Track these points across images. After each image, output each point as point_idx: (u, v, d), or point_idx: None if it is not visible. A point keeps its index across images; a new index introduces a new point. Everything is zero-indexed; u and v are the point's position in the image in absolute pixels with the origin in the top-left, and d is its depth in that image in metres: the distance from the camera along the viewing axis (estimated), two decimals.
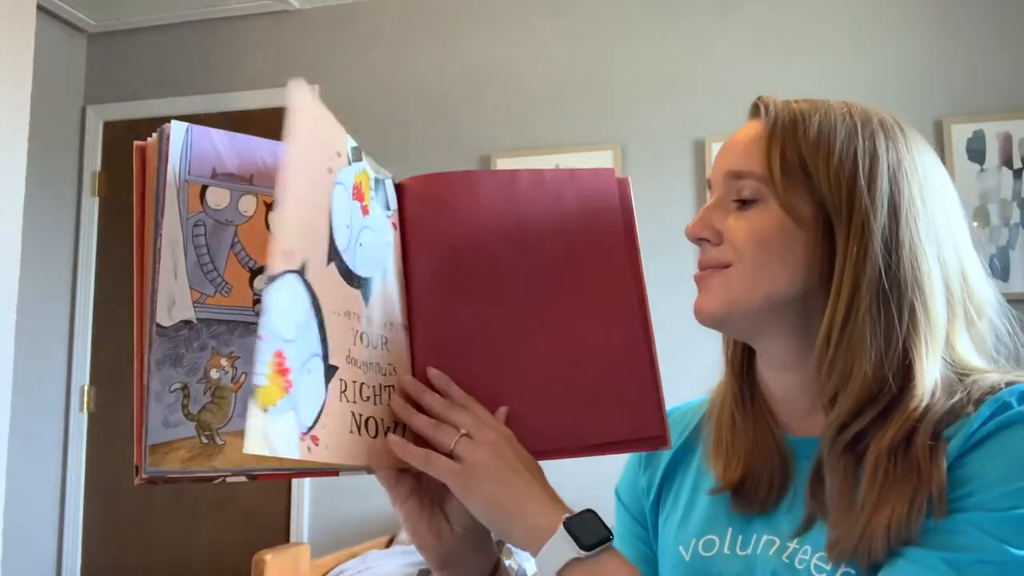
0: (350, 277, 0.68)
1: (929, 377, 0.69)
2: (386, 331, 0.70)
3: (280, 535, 3.20)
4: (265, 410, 0.55)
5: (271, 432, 0.56)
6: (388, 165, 0.80)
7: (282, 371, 0.57)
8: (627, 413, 0.74)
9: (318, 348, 0.62)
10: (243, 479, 0.64)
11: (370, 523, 3.01)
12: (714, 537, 0.78)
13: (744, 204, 0.74)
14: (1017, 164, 2.72)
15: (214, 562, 3.27)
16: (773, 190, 0.72)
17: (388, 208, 0.74)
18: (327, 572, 2.38)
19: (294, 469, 0.65)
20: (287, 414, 0.58)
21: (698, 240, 0.77)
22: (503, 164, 3.10)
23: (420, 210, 0.75)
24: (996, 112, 2.73)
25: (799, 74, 2.87)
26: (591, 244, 0.77)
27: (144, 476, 0.61)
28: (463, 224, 0.75)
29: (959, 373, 0.71)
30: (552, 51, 3.17)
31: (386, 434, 0.69)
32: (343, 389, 0.65)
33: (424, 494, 0.73)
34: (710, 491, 0.79)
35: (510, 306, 0.75)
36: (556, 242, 0.77)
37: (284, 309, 0.58)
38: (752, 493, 0.76)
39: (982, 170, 2.73)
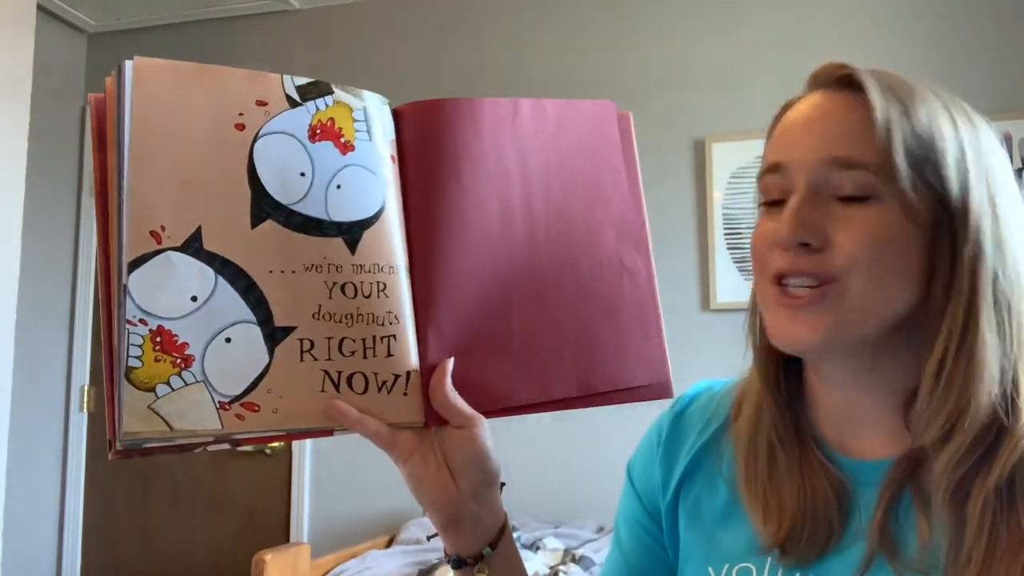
0: (319, 227, 0.64)
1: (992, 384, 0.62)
2: (384, 276, 0.66)
3: (280, 535, 3.20)
4: (149, 388, 0.58)
5: (167, 408, 0.58)
6: None
7: (171, 348, 0.59)
8: (636, 357, 0.72)
9: (246, 314, 0.62)
10: (226, 446, 0.62)
11: (370, 523, 3.00)
12: (751, 566, 0.70)
13: (849, 200, 0.63)
14: (1017, 164, 2.72)
15: (214, 562, 3.27)
16: (893, 186, 0.62)
17: (383, 140, 0.69)
18: (327, 572, 2.38)
19: (278, 431, 0.63)
20: (192, 387, 0.59)
21: (797, 246, 0.64)
22: None
23: (418, 140, 0.70)
24: (996, 112, 2.73)
25: (799, 74, 2.87)
26: (594, 177, 0.74)
27: (118, 448, 0.59)
28: (465, 155, 0.70)
29: None
30: (552, 51, 3.16)
31: (380, 388, 0.65)
32: (307, 348, 0.63)
33: (429, 451, 0.68)
34: (758, 551, 0.69)
35: (514, 242, 0.71)
36: (559, 175, 0.73)
37: (159, 289, 0.59)
38: (805, 545, 0.67)
39: None
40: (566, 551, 2.38)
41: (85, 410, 3.46)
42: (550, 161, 0.73)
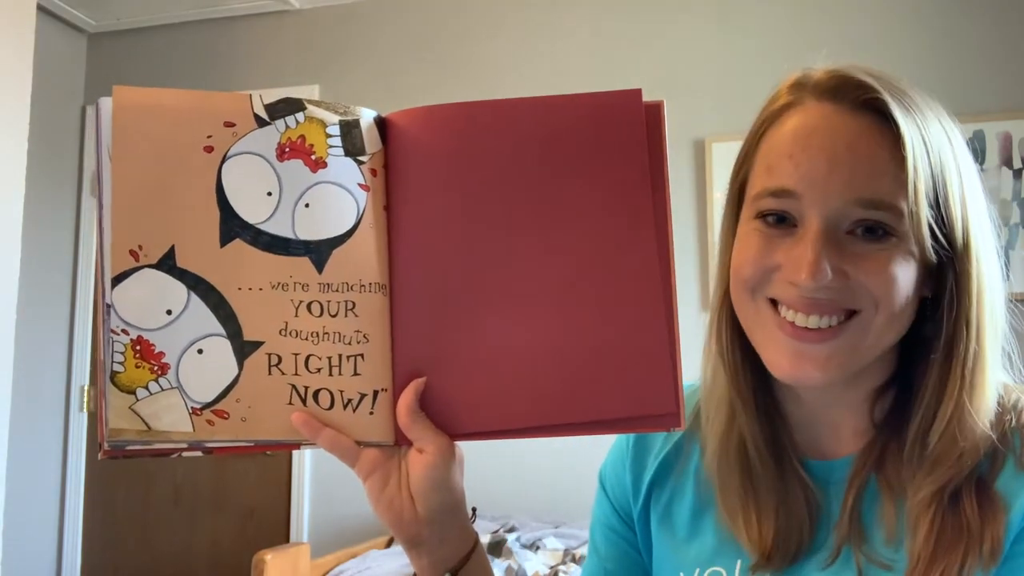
0: (285, 246, 0.66)
1: (993, 402, 0.66)
2: (354, 294, 0.66)
3: (280, 535, 3.20)
4: (131, 391, 0.64)
5: (145, 409, 0.64)
6: None
7: (149, 356, 0.65)
8: (633, 385, 0.64)
9: (216, 328, 0.66)
10: (199, 453, 0.66)
11: (370, 523, 3.00)
12: (720, 569, 0.72)
13: (870, 235, 0.63)
14: (1017, 164, 2.72)
15: (214, 562, 3.27)
16: (916, 230, 0.62)
17: (362, 154, 0.67)
18: (327, 572, 2.38)
19: (247, 441, 0.66)
20: (168, 392, 0.65)
21: (818, 288, 0.63)
22: None
23: (407, 150, 0.67)
24: (996, 112, 2.73)
25: None
26: (607, 184, 0.66)
27: (106, 448, 0.64)
28: (454, 164, 0.67)
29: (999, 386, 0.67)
30: (552, 51, 3.16)
31: (346, 406, 0.66)
32: (275, 363, 0.66)
33: (392, 470, 0.67)
34: (752, 569, 0.70)
35: (504, 256, 0.66)
36: (565, 182, 0.66)
37: (138, 303, 0.65)
38: (784, 551, 0.68)
39: (982, 170, 2.71)
40: (566, 551, 2.38)
41: (85, 410, 3.46)
42: (553, 163, 0.66)
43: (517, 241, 0.67)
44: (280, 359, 0.66)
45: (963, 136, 0.68)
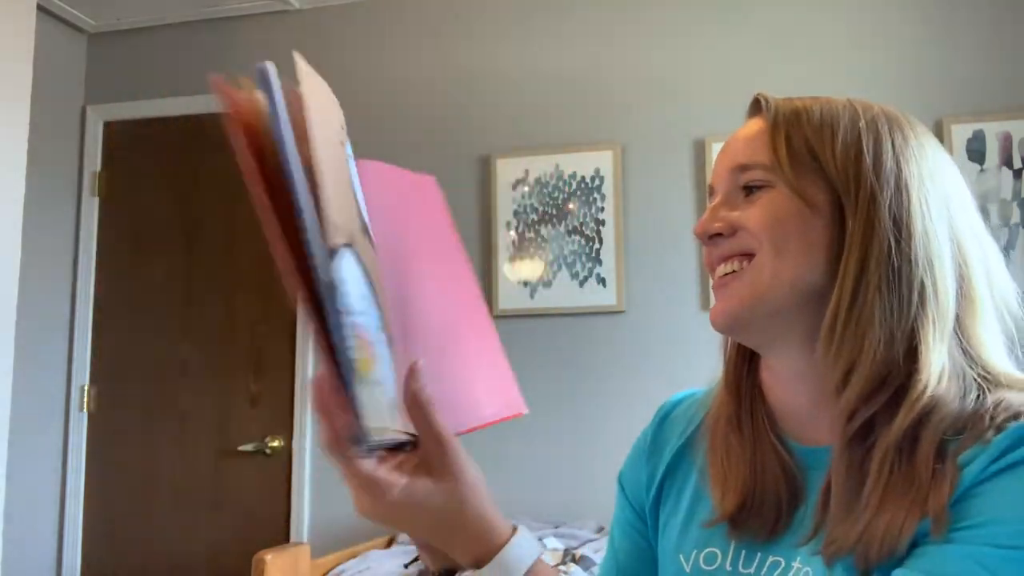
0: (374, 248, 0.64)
1: (936, 361, 0.66)
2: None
3: (280, 535, 3.20)
4: (367, 380, 0.56)
5: (383, 403, 0.58)
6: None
7: (365, 343, 0.56)
8: (495, 391, 0.72)
9: (380, 321, 0.60)
10: (407, 448, 0.63)
11: (370, 523, 3.00)
12: (716, 550, 0.76)
13: (751, 192, 0.73)
14: (1017, 164, 2.72)
15: (214, 562, 3.27)
16: (782, 175, 0.71)
17: None
18: (327, 572, 2.38)
19: (412, 435, 0.62)
20: (383, 385, 0.58)
21: (710, 237, 0.75)
22: (503, 164, 3.10)
23: None
24: (996, 112, 2.73)
25: (799, 74, 2.87)
26: (431, 236, 0.75)
27: (370, 444, 0.57)
28: None
29: (980, 372, 0.68)
30: (552, 51, 3.17)
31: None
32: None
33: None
34: (705, 523, 0.76)
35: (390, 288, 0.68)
36: (398, 230, 0.70)
37: (349, 283, 0.56)
38: (755, 520, 0.73)
39: (982, 170, 2.73)
40: (566, 551, 2.38)
41: (85, 410, 3.45)
42: (390, 218, 0.69)
43: (389, 284, 0.66)
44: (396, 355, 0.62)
45: (914, 128, 0.74)
